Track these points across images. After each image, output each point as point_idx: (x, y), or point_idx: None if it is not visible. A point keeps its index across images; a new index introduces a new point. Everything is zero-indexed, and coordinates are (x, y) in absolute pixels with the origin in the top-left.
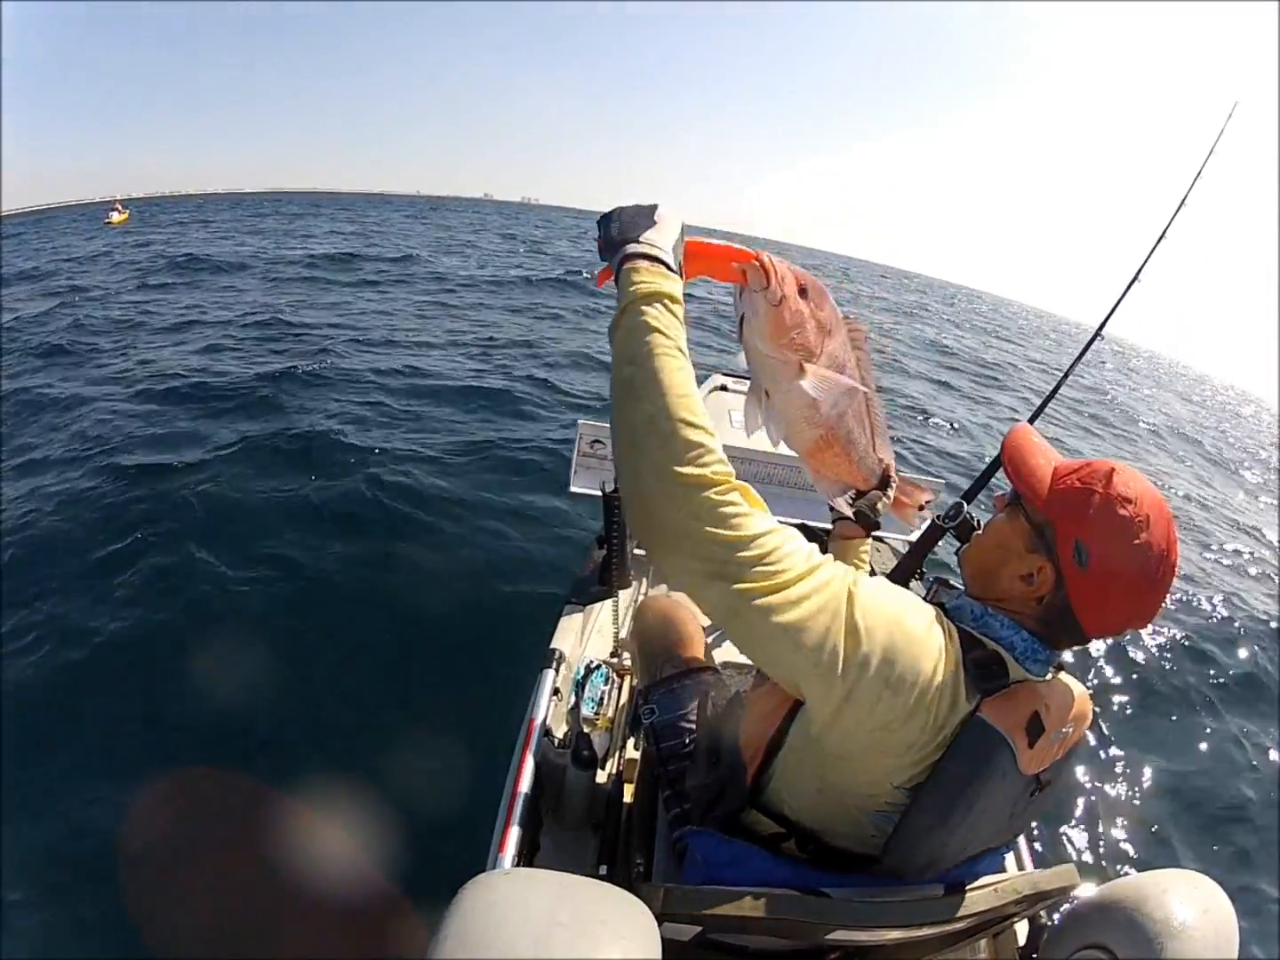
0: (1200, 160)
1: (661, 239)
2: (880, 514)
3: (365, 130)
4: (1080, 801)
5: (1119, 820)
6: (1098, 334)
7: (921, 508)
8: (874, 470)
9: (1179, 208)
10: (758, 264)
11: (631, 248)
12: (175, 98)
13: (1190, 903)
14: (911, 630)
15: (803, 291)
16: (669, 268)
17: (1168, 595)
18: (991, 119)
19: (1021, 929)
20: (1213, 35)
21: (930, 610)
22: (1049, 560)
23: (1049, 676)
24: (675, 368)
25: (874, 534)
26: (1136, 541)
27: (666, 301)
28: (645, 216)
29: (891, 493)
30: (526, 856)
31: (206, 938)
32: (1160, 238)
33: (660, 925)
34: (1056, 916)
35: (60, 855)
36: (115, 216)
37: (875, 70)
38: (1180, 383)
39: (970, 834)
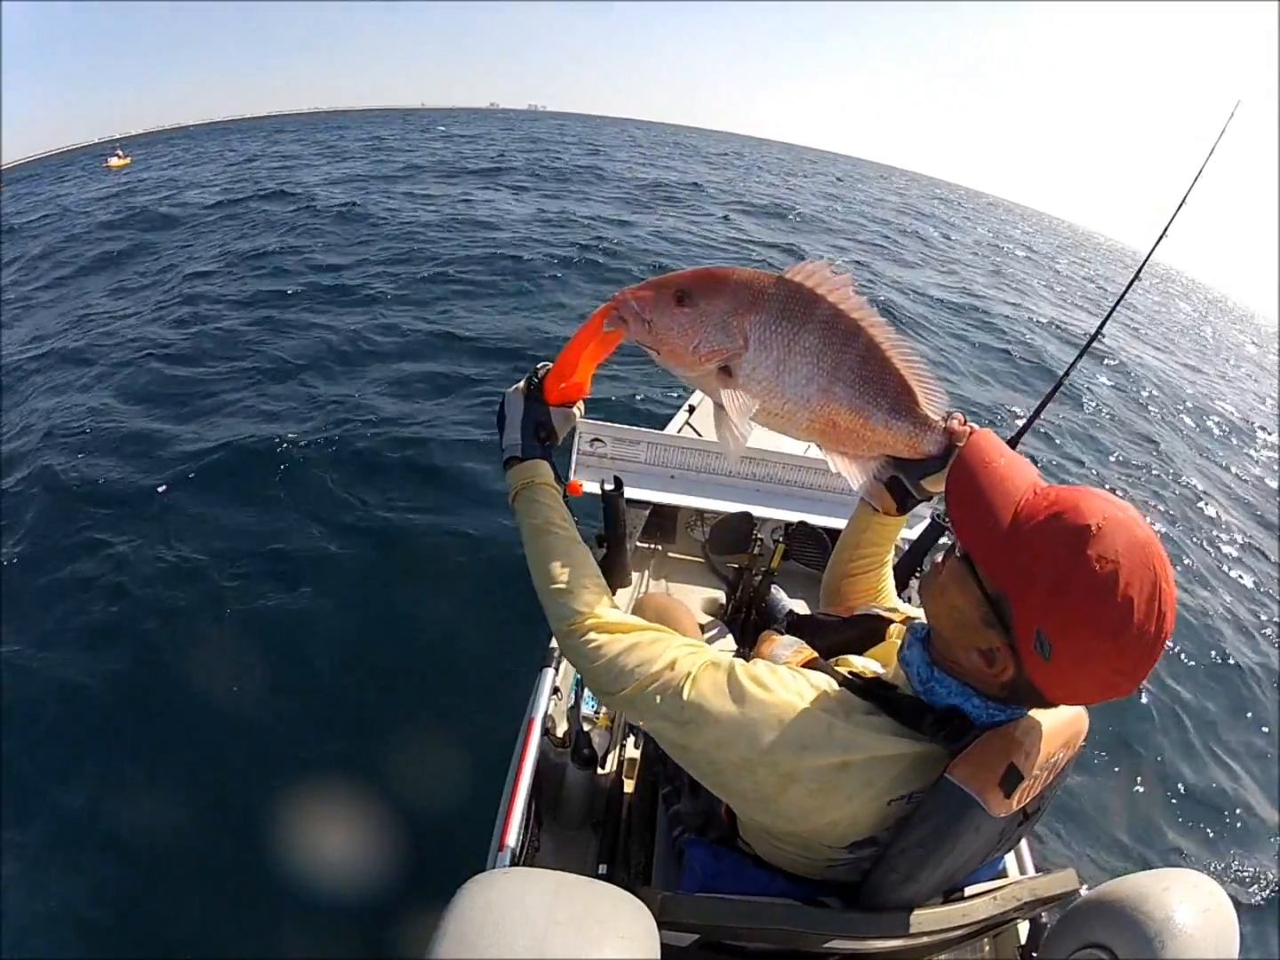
0: (1200, 160)
1: (511, 432)
2: (930, 491)
3: (362, 45)
4: (1081, 800)
5: (1120, 818)
6: (1086, 349)
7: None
8: (920, 432)
9: (1179, 207)
10: (614, 314)
11: (504, 459)
12: (160, 26)
13: (1191, 902)
14: (767, 706)
15: (682, 298)
16: (521, 457)
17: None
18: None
19: (1022, 927)
20: (1215, 34)
21: (822, 704)
22: (1006, 644)
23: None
24: (543, 546)
25: None
26: (1117, 639)
27: (524, 492)
28: (499, 423)
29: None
30: (526, 855)
31: (207, 938)
32: (1161, 236)
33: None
34: (1056, 915)
35: (60, 855)
36: (114, 161)
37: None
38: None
39: (948, 876)
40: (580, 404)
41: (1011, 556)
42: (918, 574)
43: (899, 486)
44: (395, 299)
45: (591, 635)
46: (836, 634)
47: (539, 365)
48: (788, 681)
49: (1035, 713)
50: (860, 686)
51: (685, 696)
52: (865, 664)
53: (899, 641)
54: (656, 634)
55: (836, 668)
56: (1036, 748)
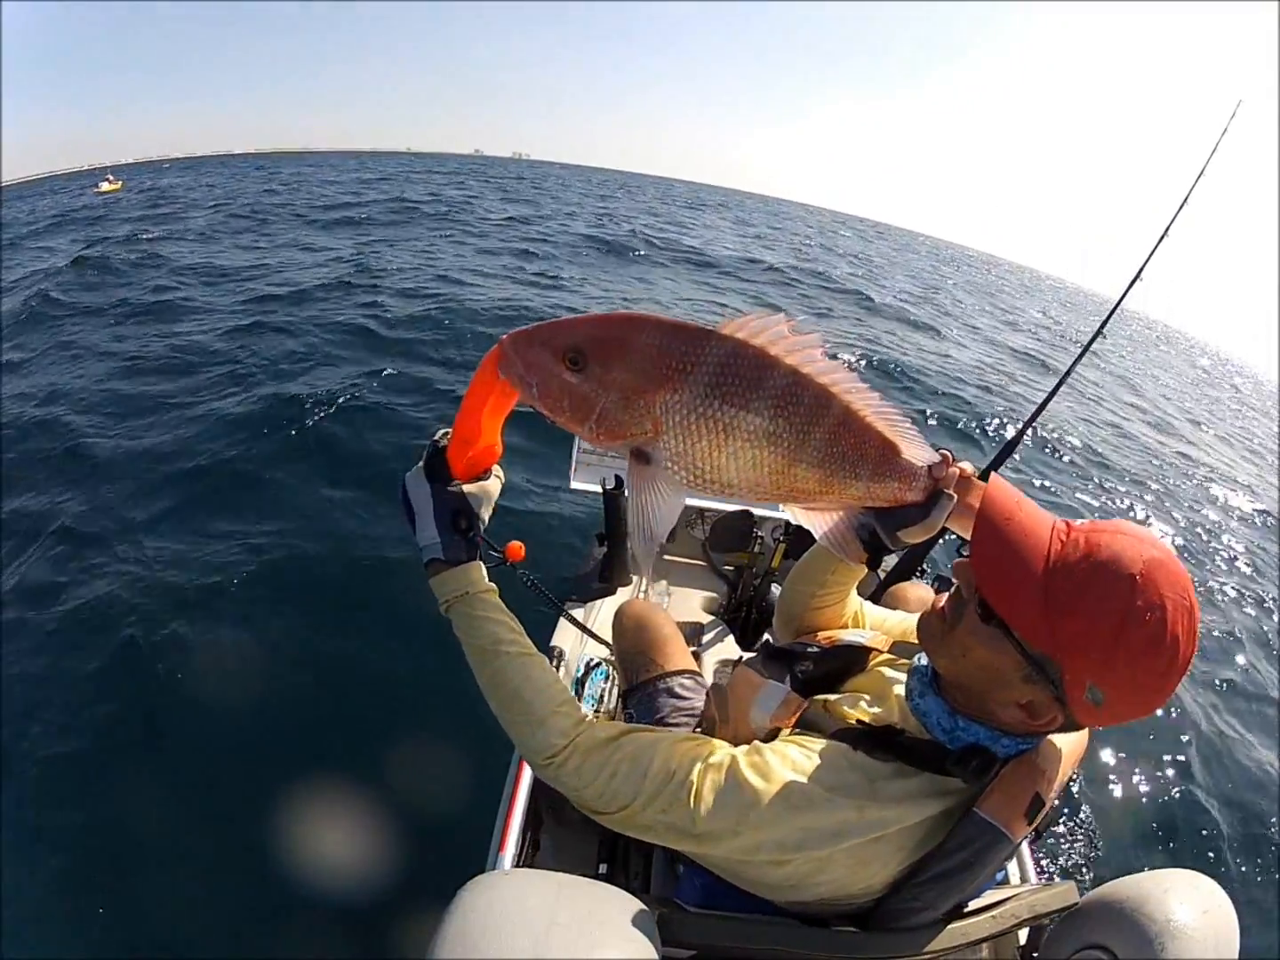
0: (1202, 159)
1: (424, 529)
2: (906, 543)
3: (349, 86)
4: (1081, 803)
5: (1119, 820)
6: (1086, 348)
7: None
8: (905, 484)
9: (1181, 206)
10: (502, 363)
11: (424, 562)
12: (153, 59)
13: (1191, 903)
14: (789, 805)
15: (575, 359)
16: (445, 559)
17: None
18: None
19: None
20: (1218, 34)
21: (845, 785)
22: (1055, 698)
23: None
24: (496, 672)
25: None
26: (1166, 675)
27: (458, 606)
28: (407, 515)
29: (938, 514)
30: (526, 855)
31: (207, 938)
32: (1162, 236)
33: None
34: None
35: (60, 855)
36: (105, 186)
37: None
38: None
39: (963, 899)
40: (498, 468)
41: (1057, 622)
42: (919, 574)
43: (872, 538)
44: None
45: (572, 762)
46: (818, 666)
47: (437, 434)
48: (800, 763)
49: (1052, 736)
50: (875, 742)
51: (692, 809)
52: (860, 704)
53: (884, 671)
54: (643, 740)
55: (828, 710)
56: (1056, 773)
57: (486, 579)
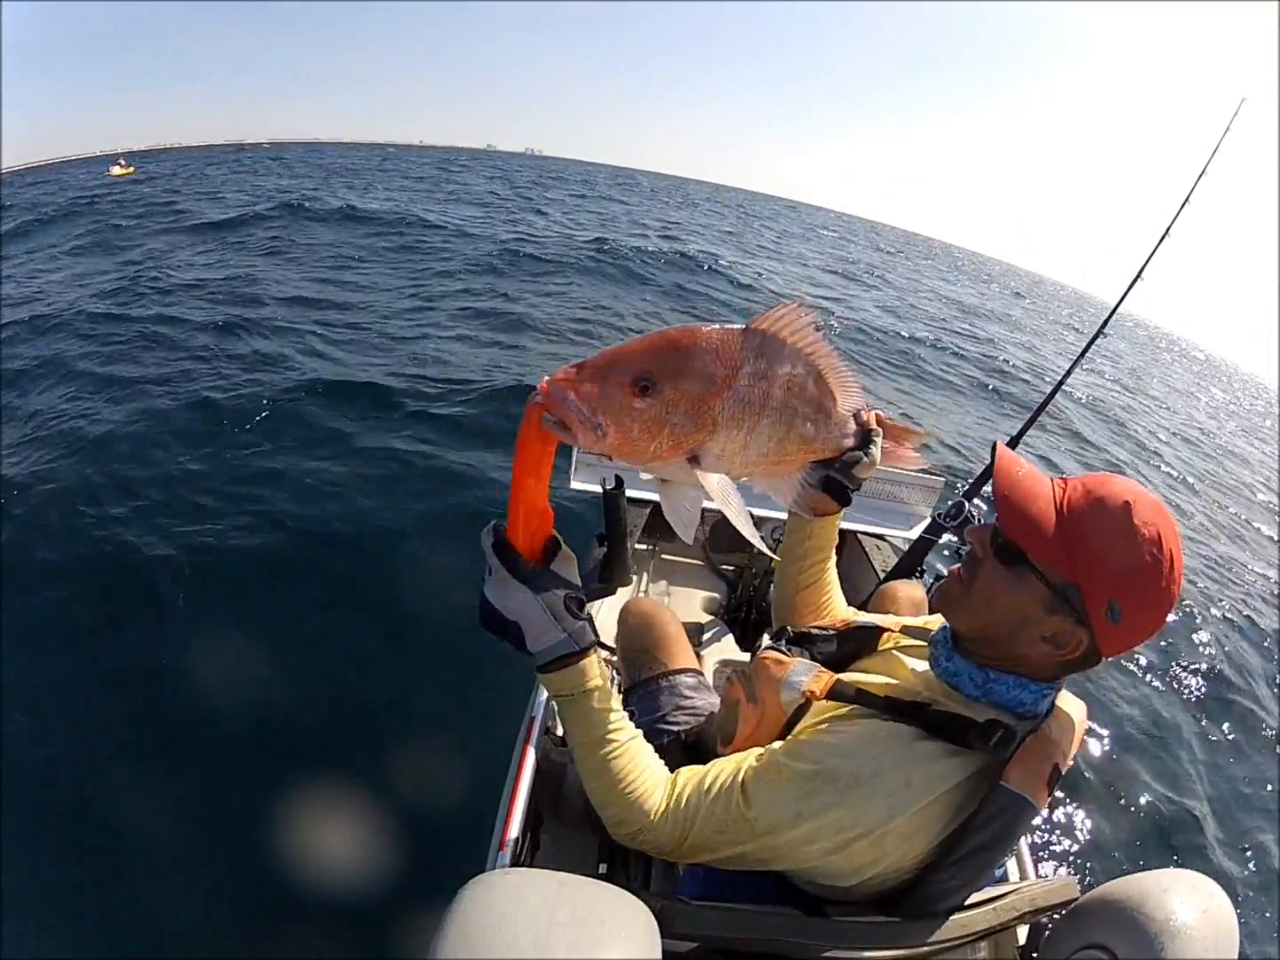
0: (1204, 159)
1: (544, 632)
2: (861, 478)
3: (361, 77)
4: (1082, 802)
5: (1120, 819)
6: (1091, 343)
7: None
8: (842, 432)
9: (1183, 205)
10: (549, 416)
11: (536, 663)
12: (166, 45)
13: (1191, 903)
14: (838, 786)
15: (646, 385)
16: (565, 656)
17: None
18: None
19: (1022, 928)
20: (1222, 33)
21: (887, 758)
22: (1079, 623)
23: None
24: (605, 757)
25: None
26: (1170, 585)
27: (578, 699)
28: (503, 632)
29: (875, 450)
30: (527, 855)
31: (207, 938)
32: (1164, 235)
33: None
34: (1056, 916)
35: (60, 855)
36: (116, 170)
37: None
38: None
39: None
40: (555, 534)
41: (1074, 546)
42: (918, 574)
43: (834, 484)
44: None
45: (654, 822)
46: (834, 648)
47: (491, 528)
48: (838, 744)
49: (1061, 704)
50: (902, 715)
51: (745, 811)
52: (879, 681)
53: (895, 652)
54: (692, 772)
55: (851, 683)
56: (1070, 745)
57: (598, 664)
